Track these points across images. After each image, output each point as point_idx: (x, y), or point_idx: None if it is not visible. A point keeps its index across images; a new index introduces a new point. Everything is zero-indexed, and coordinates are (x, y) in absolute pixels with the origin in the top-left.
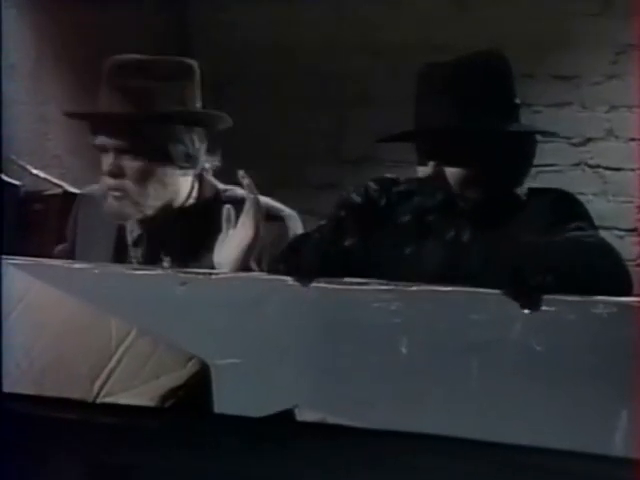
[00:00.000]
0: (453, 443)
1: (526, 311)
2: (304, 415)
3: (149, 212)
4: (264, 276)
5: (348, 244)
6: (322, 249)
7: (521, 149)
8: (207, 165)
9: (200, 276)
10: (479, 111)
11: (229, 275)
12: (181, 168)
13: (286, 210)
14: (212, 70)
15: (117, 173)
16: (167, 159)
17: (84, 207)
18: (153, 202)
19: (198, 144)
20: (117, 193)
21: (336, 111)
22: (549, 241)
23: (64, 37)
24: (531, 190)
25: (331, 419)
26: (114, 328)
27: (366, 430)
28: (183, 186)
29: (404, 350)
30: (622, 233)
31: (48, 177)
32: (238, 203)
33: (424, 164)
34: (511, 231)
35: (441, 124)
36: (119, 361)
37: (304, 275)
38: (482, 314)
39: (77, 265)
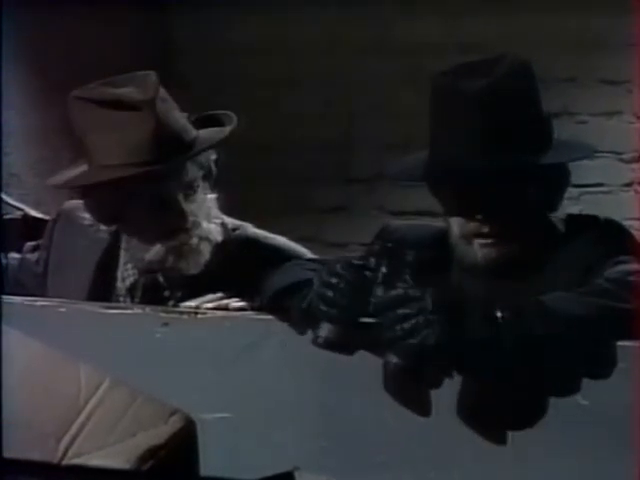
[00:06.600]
0: None
1: None
2: (305, 479)
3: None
4: (259, 316)
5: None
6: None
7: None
8: (209, 195)
9: (184, 315)
10: (506, 138)
11: (218, 314)
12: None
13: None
14: (200, 78)
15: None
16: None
17: (62, 229)
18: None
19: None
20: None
21: (343, 123)
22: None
23: (29, 40)
24: (567, 220)
25: None
26: (84, 377)
27: None
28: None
29: None
30: None
31: (6, 198)
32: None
33: (453, 214)
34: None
35: (458, 159)
36: (89, 416)
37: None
38: None
39: (40, 303)
